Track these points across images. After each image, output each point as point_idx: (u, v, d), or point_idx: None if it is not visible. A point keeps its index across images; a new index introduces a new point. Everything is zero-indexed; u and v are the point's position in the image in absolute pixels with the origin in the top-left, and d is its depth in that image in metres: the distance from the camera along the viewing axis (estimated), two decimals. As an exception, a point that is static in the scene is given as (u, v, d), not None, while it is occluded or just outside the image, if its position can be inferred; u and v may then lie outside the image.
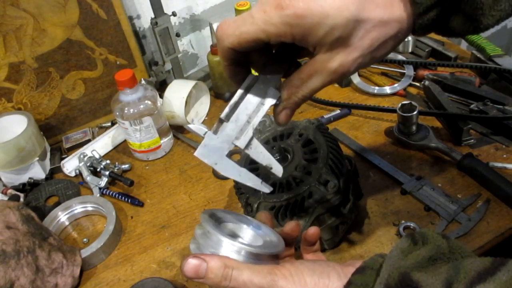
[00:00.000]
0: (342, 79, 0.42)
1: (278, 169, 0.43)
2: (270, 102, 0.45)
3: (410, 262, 0.37)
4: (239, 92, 0.45)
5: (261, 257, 0.41)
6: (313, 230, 0.49)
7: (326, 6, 0.37)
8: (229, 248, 0.40)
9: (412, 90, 1.01)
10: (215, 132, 0.44)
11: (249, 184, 0.42)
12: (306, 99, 0.45)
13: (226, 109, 0.44)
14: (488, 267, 0.34)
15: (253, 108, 0.44)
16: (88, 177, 0.89)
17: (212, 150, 0.43)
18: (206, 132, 0.44)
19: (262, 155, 0.44)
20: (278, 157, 0.68)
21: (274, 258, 0.43)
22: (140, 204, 0.86)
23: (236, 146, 0.44)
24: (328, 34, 0.38)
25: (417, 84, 1.00)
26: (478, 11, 0.38)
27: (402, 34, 0.41)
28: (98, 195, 0.87)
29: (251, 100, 0.45)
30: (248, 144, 0.44)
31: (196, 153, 0.43)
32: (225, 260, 0.40)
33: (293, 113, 0.47)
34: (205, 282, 0.40)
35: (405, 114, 0.83)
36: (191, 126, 0.45)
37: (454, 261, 0.38)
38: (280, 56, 0.46)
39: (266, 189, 0.41)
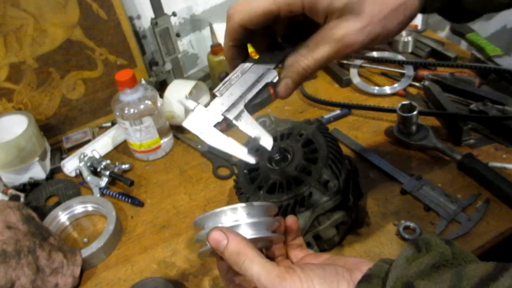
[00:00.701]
0: (349, 50, 0.41)
1: (267, 140, 0.43)
2: (266, 80, 0.45)
3: (413, 271, 0.37)
4: (236, 70, 0.46)
5: (266, 209, 0.43)
6: (290, 219, 0.48)
7: None
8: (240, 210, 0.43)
9: (412, 90, 1.01)
10: (207, 106, 0.45)
11: (234, 153, 0.42)
12: (310, 70, 0.44)
13: (220, 85, 0.45)
14: (491, 272, 0.34)
15: (247, 85, 0.45)
16: (88, 177, 0.89)
17: (200, 120, 0.43)
18: (197, 105, 0.44)
19: (251, 126, 0.44)
20: (278, 157, 0.68)
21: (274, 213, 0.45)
22: (140, 204, 0.86)
23: (226, 118, 0.44)
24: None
25: (417, 84, 1.00)
26: None
27: (412, 3, 0.40)
28: (98, 195, 0.87)
29: (247, 78, 0.45)
30: (238, 116, 0.44)
31: (184, 123, 0.43)
32: (241, 247, 0.41)
33: (294, 86, 0.46)
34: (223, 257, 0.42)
35: (405, 114, 0.83)
36: (182, 100, 0.45)
37: (457, 266, 0.38)
38: (282, 43, 0.46)
39: (252, 159, 0.41)
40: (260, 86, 0.45)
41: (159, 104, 0.92)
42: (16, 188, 0.90)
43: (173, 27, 1.03)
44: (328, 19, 0.40)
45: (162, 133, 0.94)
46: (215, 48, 1.02)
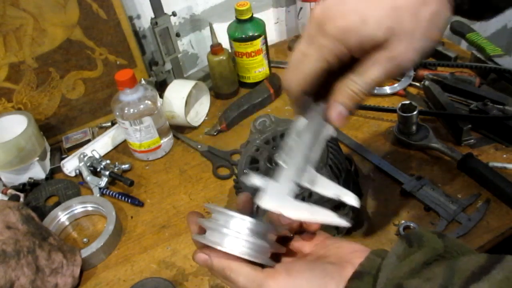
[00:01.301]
0: (400, 69, 0.41)
1: (351, 198, 0.41)
2: (324, 136, 0.43)
3: (404, 271, 0.37)
4: (291, 135, 0.44)
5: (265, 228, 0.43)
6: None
7: (363, 9, 0.38)
8: (238, 224, 0.42)
9: (412, 90, 1.01)
10: (277, 179, 0.43)
11: (324, 220, 0.40)
12: (361, 95, 0.42)
13: (282, 155, 0.43)
14: (483, 265, 0.34)
15: (308, 146, 0.43)
16: (88, 177, 0.89)
17: (276, 196, 0.41)
18: (268, 182, 0.42)
19: (328, 187, 0.42)
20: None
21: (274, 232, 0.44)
22: (140, 204, 0.86)
23: (300, 186, 0.42)
24: (376, 29, 0.38)
25: (417, 84, 1.00)
26: None
27: (443, 9, 0.40)
28: (98, 195, 0.87)
29: (304, 138, 0.44)
30: (312, 181, 0.42)
31: (261, 203, 0.41)
32: (225, 262, 0.42)
33: (347, 112, 0.43)
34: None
35: (405, 114, 0.83)
36: (251, 179, 0.43)
37: (450, 259, 0.38)
38: (322, 93, 0.44)
39: (344, 222, 0.39)
40: (321, 144, 0.44)
41: (159, 104, 0.92)
42: (16, 188, 0.90)
43: (173, 27, 1.03)
44: (374, 49, 0.41)
45: (162, 133, 0.94)
46: (215, 48, 1.02)
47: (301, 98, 0.44)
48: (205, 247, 0.43)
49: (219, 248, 0.42)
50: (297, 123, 0.45)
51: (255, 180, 0.43)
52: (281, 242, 0.45)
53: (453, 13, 0.42)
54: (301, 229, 0.46)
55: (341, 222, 0.38)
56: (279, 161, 0.43)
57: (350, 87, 0.42)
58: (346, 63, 0.41)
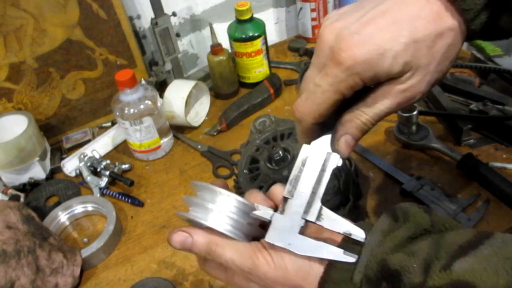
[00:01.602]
0: (411, 102, 0.41)
1: (359, 233, 0.40)
2: (331, 166, 0.42)
3: (388, 246, 0.37)
4: (297, 164, 0.43)
5: (249, 208, 0.43)
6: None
7: (380, 41, 0.37)
8: (224, 200, 0.42)
9: (412, 90, 1.00)
10: (282, 212, 0.42)
11: (330, 258, 0.39)
12: (370, 125, 0.42)
13: (288, 186, 0.42)
14: (471, 239, 0.34)
15: (315, 177, 0.42)
16: (88, 177, 0.89)
17: (282, 232, 0.41)
18: (272, 215, 0.42)
19: (336, 222, 0.41)
20: (278, 157, 0.68)
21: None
22: (140, 204, 0.86)
23: (307, 221, 0.41)
24: (394, 64, 0.37)
25: (417, 84, 1.00)
26: None
27: (458, 40, 0.40)
28: (98, 195, 0.87)
29: (310, 169, 0.43)
30: (319, 216, 0.41)
31: (267, 238, 0.41)
32: (209, 236, 0.42)
33: (354, 143, 0.43)
34: (192, 253, 0.43)
35: (405, 114, 0.83)
36: (256, 212, 0.43)
37: (437, 234, 0.37)
38: (328, 121, 0.43)
39: (351, 258, 0.38)
40: (328, 175, 0.42)
41: (159, 104, 0.92)
42: (16, 188, 0.90)
43: (173, 27, 1.03)
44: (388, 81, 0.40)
45: (162, 133, 0.94)
46: (215, 48, 1.02)
47: (312, 128, 0.43)
48: (183, 227, 0.43)
49: (203, 222, 0.42)
50: (302, 151, 0.44)
51: (260, 213, 0.42)
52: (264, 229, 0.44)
53: (466, 40, 0.41)
54: None
55: (347, 258, 0.38)
56: (285, 195, 0.42)
57: (360, 119, 0.41)
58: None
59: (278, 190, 0.46)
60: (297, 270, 0.40)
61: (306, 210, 0.41)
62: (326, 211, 0.41)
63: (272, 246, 0.41)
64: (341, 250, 0.39)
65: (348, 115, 0.42)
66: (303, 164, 0.43)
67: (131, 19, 1.06)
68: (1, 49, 0.90)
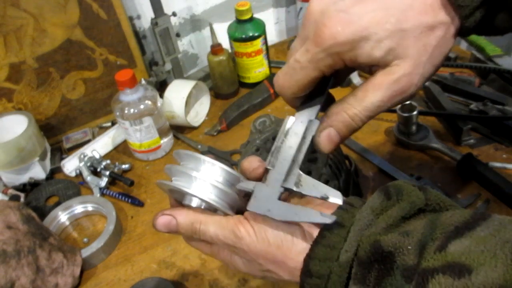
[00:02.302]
0: (405, 96, 0.39)
1: (336, 197, 0.39)
2: (311, 133, 0.42)
3: (381, 226, 0.35)
4: (279, 135, 0.43)
5: (234, 179, 0.43)
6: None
7: (365, 23, 0.36)
8: (208, 168, 0.42)
9: (412, 90, 1.01)
10: (264, 182, 0.42)
11: (309, 220, 0.38)
12: (358, 121, 0.40)
13: (269, 157, 0.43)
14: (468, 220, 0.33)
15: (295, 146, 0.42)
16: (88, 177, 0.89)
17: (262, 200, 0.41)
18: (255, 185, 0.42)
19: (314, 188, 0.40)
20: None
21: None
22: (140, 204, 0.86)
23: (286, 188, 0.41)
24: (376, 48, 0.36)
25: (417, 84, 1.00)
26: None
27: (450, 35, 0.39)
28: (98, 195, 0.87)
29: (292, 138, 0.42)
30: (298, 183, 0.41)
31: (248, 207, 0.41)
32: (193, 215, 0.42)
33: (339, 139, 0.41)
34: (179, 235, 0.43)
35: (405, 114, 0.83)
36: (240, 184, 0.43)
37: (431, 213, 0.36)
38: (316, 90, 0.43)
39: (328, 219, 0.37)
40: (307, 143, 0.42)
41: (159, 104, 0.92)
42: (16, 188, 0.90)
43: (173, 27, 1.04)
44: (374, 70, 0.39)
45: (162, 133, 0.94)
46: (215, 48, 1.02)
47: (294, 99, 0.43)
48: (166, 210, 0.43)
49: (186, 190, 0.42)
50: (286, 122, 0.44)
51: (244, 184, 0.42)
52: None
53: (459, 36, 0.41)
54: None
55: (326, 219, 0.37)
56: (266, 165, 0.42)
57: (347, 112, 0.40)
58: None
59: (246, 164, 0.45)
60: (279, 244, 0.39)
61: (286, 178, 0.41)
62: (305, 178, 0.41)
63: (255, 218, 0.40)
64: (318, 212, 0.38)
65: (335, 107, 0.41)
66: (285, 135, 0.43)
67: (131, 19, 1.06)
68: (1, 49, 0.91)
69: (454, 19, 0.38)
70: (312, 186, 0.40)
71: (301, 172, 0.41)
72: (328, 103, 0.44)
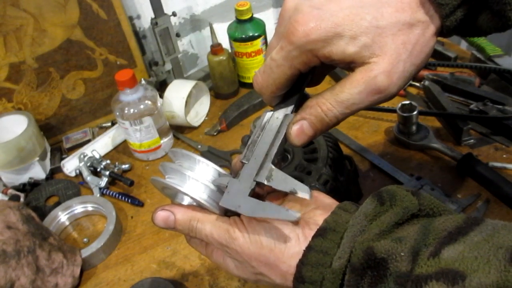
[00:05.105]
0: (384, 95, 0.38)
1: (304, 191, 0.39)
2: (285, 127, 0.42)
3: (374, 233, 0.35)
4: (255, 130, 0.44)
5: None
6: None
7: (339, 20, 0.36)
8: (203, 169, 0.43)
9: (412, 90, 1.01)
10: (237, 177, 0.42)
11: (276, 216, 0.38)
12: (332, 115, 0.39)
13: (244, 150, 0.43)
14: (461, 225, 0.32)
15: (270, 140, 0.42)
16: (88, 177, 0.89)
17: (234, 195, 0.41)
18: (229, 180, 0.42)
19: (284, 182, 0.40)
20: (278, 157, 0.67)
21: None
22: (140, 204, 0.86)
23: (259, 183, 0.41)
24: (350, 44, 0.36)
25: (417, 84, 1.00)
26: (506, 7, 0.36)
27: (430, 34, 0.38)
28: (98, 195, 0.87)
29: (267, 133, 0.43)
30: (269, 177, 0.41)
31: (220, 203, 0.41)
32: (190, 213, 0.43)
33: (311, 132, 0.40)
34: (176, 231, 0.44)
35: (405, 114, 0.83)
36: (216, 180, 0.43)
37: (425, 219, 0.36)
38: (294, 88, 0.43)
39: (293, 216, 0.37)
40: (281, 136, 0.42)
41: (159, 104, 0.92)
42: (16, 188, 0.90)
43: (173, 27, 1.03)
44: (353, 67, 0.38)
45: (162, 133, 0.94)
46: (215, 48, 1.02)
47: (274, 98, 0.43)
48: (166, 206, 0.44)
49: (179, 188, 0.42)
50: (263, 117, 0.44)
51: (219, 179, 0.43)
52: None
53: (440, 36, 0.40)
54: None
55: (289, 216, 0.37)
56: (241, 159, 0.43)
57: (321, 106, 0.39)
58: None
59: (235, 160, 0.46)
60: (272, 246, 0.39)
61: (258, 173, 0.41)
62: (277, 172, 0.41)
63: (250, 220, 0.40)
64: (284, 209, 0.38)
65: (311, 101, 0.41)
66: (262, 129, 0.43)
67: (131, 19, 1.06)
68: (1, 49, 0.90)
69: (434, 18, 0.38)
70: (282, 180, 0.40)
71: (273, 166, 0.41)
72: (304, 99, 0.43)
